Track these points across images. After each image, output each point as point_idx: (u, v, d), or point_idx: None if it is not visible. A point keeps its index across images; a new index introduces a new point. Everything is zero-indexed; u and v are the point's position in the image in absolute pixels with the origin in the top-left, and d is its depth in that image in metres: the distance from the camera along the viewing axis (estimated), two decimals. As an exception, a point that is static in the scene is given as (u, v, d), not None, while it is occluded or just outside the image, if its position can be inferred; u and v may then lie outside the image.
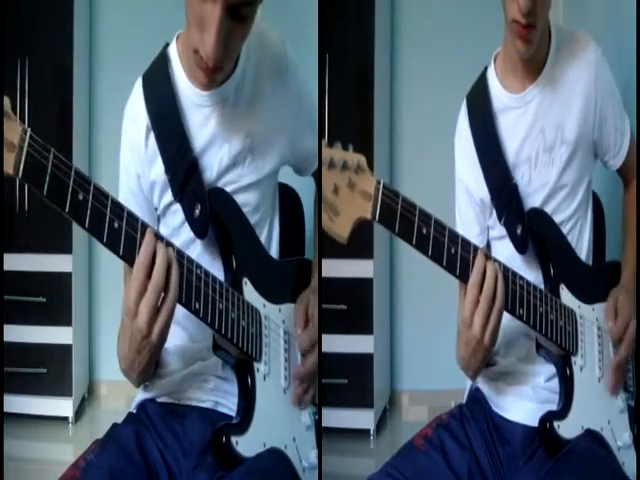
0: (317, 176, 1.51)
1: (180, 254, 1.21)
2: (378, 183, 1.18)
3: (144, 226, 1.16)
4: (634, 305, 1.40)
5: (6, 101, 0.99)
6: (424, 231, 1.21)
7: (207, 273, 1.25)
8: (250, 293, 1.33)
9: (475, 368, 1.33)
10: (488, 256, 1.27)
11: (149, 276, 1.13)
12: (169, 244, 1.18)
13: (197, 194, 1.30)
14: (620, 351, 1.38)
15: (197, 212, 1.29)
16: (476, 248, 1.26)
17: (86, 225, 1.08)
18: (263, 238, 1.40)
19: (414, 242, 1.21)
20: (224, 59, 1.20)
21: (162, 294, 1.15)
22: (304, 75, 1.43)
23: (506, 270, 1.29)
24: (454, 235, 1.24)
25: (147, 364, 1.23)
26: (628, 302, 1.40)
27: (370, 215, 1.18)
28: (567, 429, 1.33)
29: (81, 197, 1.06)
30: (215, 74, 1.23)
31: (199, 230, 1.31)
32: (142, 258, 1.13)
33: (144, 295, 1.13)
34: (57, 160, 1.04)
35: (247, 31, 1.22)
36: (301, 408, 1.37)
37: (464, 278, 1.25)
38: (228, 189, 1.35)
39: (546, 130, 1.40)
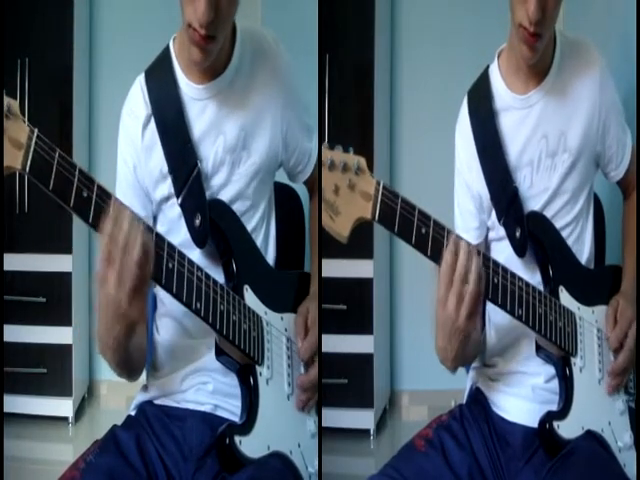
0: (318, 178, 1.51)
1: (181, 255, 1.22)
2: (378, 184, 1.20)
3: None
4: (634, 313, 1.39)
5: (14, 104, 1.05)
6: (423, 231, 1.22)
7: (208, 276, 1.26)
8: (251, 300, 1.33)
9: (453, 357, 1.27)
10: (461, 239, 1.25)
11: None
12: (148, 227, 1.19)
13: (197, 200, 1.31)
14: (618, 359, 1.38)
15: (197, 222, 1.31)
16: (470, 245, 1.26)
17: (90, 220, 1.13)
18: (259, 243, 1.40)
19: (413, 242, 1.22)
20: (216, 27, 1.22)
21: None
22: (298, 77, 1.44)
23: (495, 264, 1.28)
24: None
25: (124, 335, 1.26)
26: (627, 310, 1.40)
27: (370, 215, 1.19)
28: (567, 429, 1.32)
29: (85, 194, 1.11)
30: (208, 44, 1.24)
31: (198, 240, 1.32)
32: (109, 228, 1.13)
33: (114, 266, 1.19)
34: (62, 159, 1.09)
35: None
36: (305, 412, 1.37)
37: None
38: (226, 195, 1.35)
39: (549, 136, 1.39)
